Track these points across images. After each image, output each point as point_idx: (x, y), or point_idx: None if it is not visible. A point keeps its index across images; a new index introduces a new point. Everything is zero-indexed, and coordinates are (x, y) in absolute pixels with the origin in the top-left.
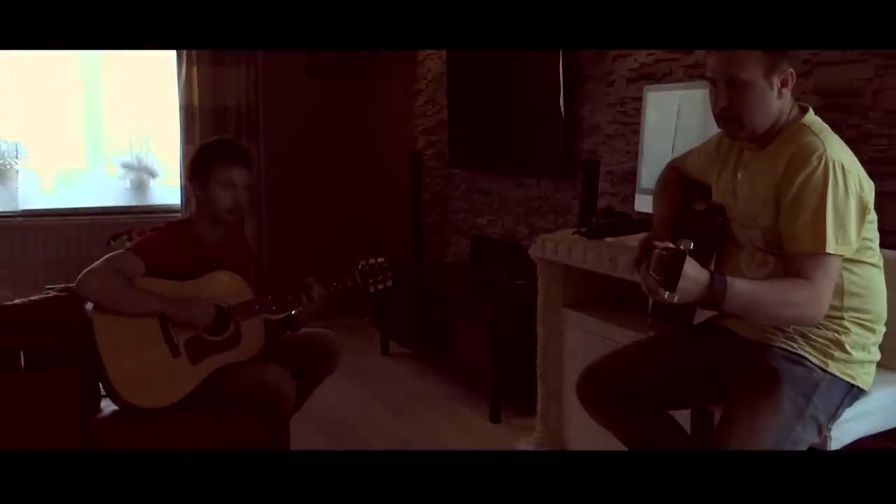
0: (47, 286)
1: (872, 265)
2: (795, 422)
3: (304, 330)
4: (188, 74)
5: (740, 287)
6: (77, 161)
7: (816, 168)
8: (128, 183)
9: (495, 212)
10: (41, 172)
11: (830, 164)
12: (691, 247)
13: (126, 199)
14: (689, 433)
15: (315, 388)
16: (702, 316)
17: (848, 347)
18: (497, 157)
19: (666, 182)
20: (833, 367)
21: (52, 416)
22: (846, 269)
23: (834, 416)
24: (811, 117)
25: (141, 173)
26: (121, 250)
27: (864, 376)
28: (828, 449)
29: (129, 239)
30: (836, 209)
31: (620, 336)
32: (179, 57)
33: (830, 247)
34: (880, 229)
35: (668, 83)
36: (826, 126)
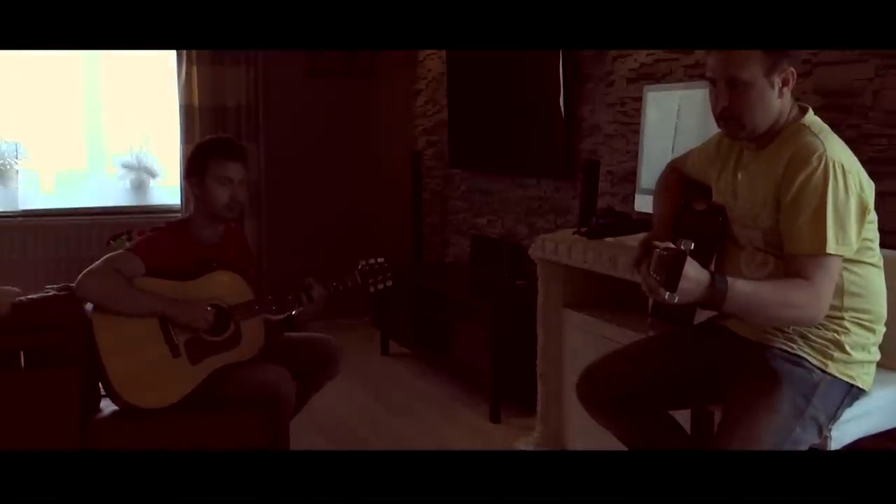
0: (47, 286)
1: (872, 265)
2: (795, 422)
3: (306, 334)
4: (188, 74)
5: (741, 288)
6: (77, 161)
7: (816, 168)
8: (128, 183)
9: (495, 212)
10: (41, 172)
11: (830, 165)
12: (692, 247)
13: (126, 199)
14: (689, 433)
15: (315, 393)
16: (702, 316)
17: (848, 348)
18: (497, 157)
19: (666, 182)
20: (833, 368)
21: (52, 416)
22: (846, 269)
23: (834, 417)
24: (811, 117)
25: (141, 173)
26: (121, 250)
27: (863, 377)
28: (828, 449)
29: (129, 239)
30: (836, 209)
31: (620, 336)
32: (179, 57)
33: (831, 247)
34: (880, 229)
35: (668, 83)
36: (826, 126)
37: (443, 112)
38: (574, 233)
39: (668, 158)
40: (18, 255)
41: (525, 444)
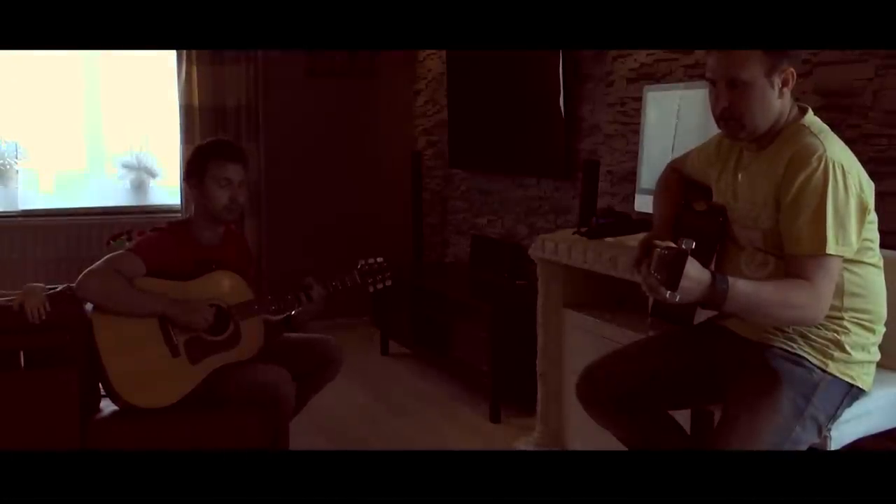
0: (47, 286)
1: (872, 265)
2: (795, 422)
3: (307, 335)
4: (188, 74)
5: (741, 288)
6: (77, 161)
7: (816, 169)
8: (128, 183)
9: (495, 212)
10: (41, 172)
11: (830, 165)
12: (693, 246)
13: (126, 200)
14: (689, 433)
15: (315, 394)
16: (702, 316)
17: (848, 348)
18: (497, 157)
19: (666, 183)
20: (833, 368)
21: (52, 416)
22: (846, 269)
23: (834, 417)
24: (811, 118)
25: (141, 173)
26: (121, 251)
27: (863, 376)
28: (828, 449)
29: (129, 239)
30: (836, 210)
31: (620, 336)
32: (179, 57)
33: (831, 248)
34: (880, 229)
35: (668, 83)
36: (826, 127)
37: (443, 112)
38: (574, 233)
39: (668, 158)
40: (18, 255)
41: (525, 444)
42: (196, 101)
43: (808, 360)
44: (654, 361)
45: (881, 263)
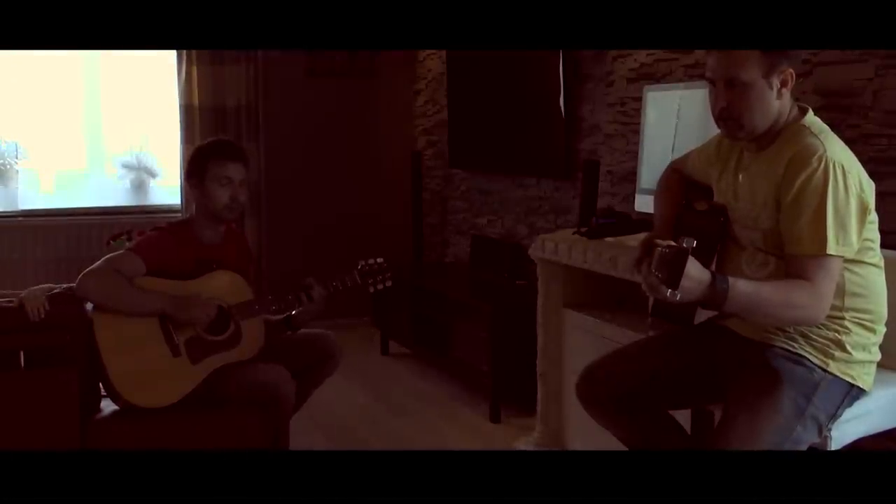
0: (52, 287)
1: (873, 265)
2: (796, 422)
3: (304, 330)
4: (188, 74)
5: (742, 288)
6: (77, 161)
7: (817, 169)
8: (128, 183)
9: (495, 212)
10: (41, 172)
11: (830, 165)
12: (694, 245)
13: (126, 199)
14: (689, 433)
15: (315, 389)
16: (702, 316)
17: (848, 347)
18: (497, 157)
19: (667, 183)
20: (833, 367)
21: (52, 416)
22: (847, 269)
23: (834, 416)
24: (811, 118)
25: (141, 173)
26: (121, 250)
27: (864, 376)
28: (828, 449)
29: (129, 239)
30: (836, 210)
31: (620, 336)
32: (179, 57)
33: (831, 248)
34: (881, 229)
35: (668, 83)
36: (826, 127)
37: (443, 112)
38: (574, 233)
39: (668, 158)
40: (18, 255)
41: (525, 444)
42: (196, 101)
43: (808, 359)
44: (654, 361)
45: (882, 263)
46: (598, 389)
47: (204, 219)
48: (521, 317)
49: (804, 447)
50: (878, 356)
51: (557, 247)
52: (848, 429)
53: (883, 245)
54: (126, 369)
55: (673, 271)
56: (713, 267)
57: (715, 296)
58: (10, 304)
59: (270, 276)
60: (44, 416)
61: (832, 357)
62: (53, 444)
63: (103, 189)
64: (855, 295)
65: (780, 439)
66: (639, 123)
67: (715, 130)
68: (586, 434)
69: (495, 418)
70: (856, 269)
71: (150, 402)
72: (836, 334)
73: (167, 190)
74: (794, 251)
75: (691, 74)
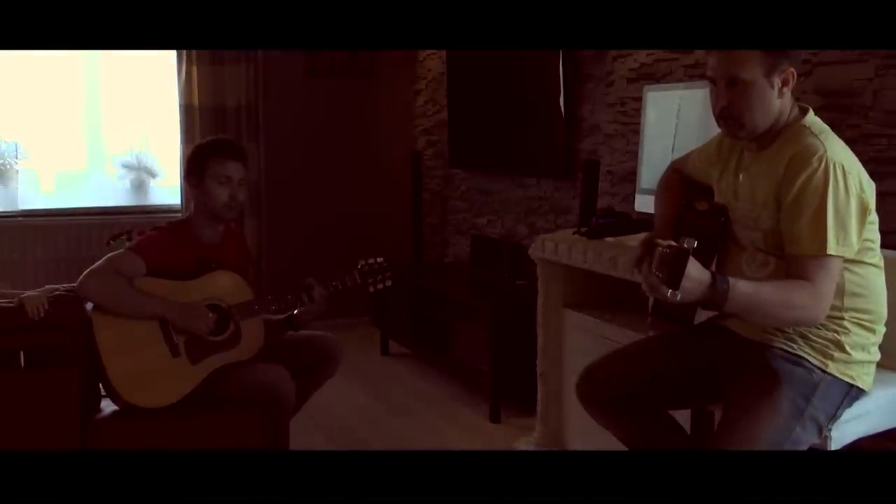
0: (48, 287)
1: (873, 265)
2: (795, 422)
3: (305, 332)
4: (188, 74)
5: (742, 288)
6: (77, 161)
7: (817, 169)
8: (128, 183)
9: (495, 212)
10: (41, 172)
11: (831, 166)
12: (695, 245)
13: (126, 199)
14: (689, 433)
15: (315, 391)
16: (702, 316)
17: (848, 348)
18: (497, 157)
19: (668, 183)
20: (833, 368)
21: (52, 416)
22: (847, 269)
23: (834, 417)
24: (811, 118)
25: (141, 173)
26: (122, 250)
27: (863, 377)
28: (828, 449)
29: (129, 239)
30: (836, 210)
31: (620, 336)
32: (179, 57)
33: (831, 248)
34: (881, 229)
35: (668, 83)
36: (826, 127)
37: (443, 112)
38: (574, 233)
39: (669, 158)
40: (18, 255)
41: (525, 444)
42: (196, 101)
43: (808, 360)
44: (654, 361)
45: (882, 263)
46: (598, 389)
47: (203, 218)
48: (521, 317)
49: (804, 447)
50: (877, 356)
51: (557, 247)
52: (848, 429)
53: (883, 245)
54: (126, 369)
55: (673, 271)
56: (713, 267)
57: (715, 296)
58: (10, 305)
59: (270, 276)
60: (44, 416)
61: (831, 358)
62: (53, 444)
63: (103, 189)
64: (855, 295)
65: (780, 440)
66: (639, 123)
67: (715, 130)
68: (586, 434)
69: (495, 418)
70: (856, 269)
71: (149, 402)
72: (836, 335)
73: (167, 190)
74: (795, 251)
75: (691, 74)
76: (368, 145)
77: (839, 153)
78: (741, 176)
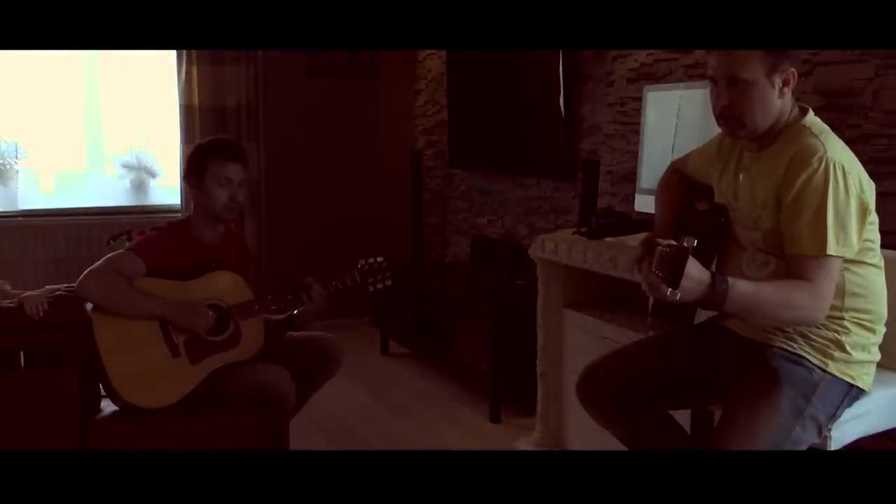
0: (48, 287)
1: (873, 266)
2: (795, 422)
3: (305, 332)
4: (188, 74)
5: (742, 288)
6: (77, 161)
7: (817, 170)
8: (128, 183)
9: (495, 212)
10: (41, 172)
11: (831, 166)
12: (695, 244)
13: (126, 199)
14: (689, 433)
15: (315, 392)
16: (702, 316)
17: (848, 348)
18: (497, 157)
19: (668, 183)
20: (833, 368)
21: (52, 416)
22: (847, 269)
23: (834, 417)
24: (811, 118)
25: (141, 173)
26: (122, 250)
27: (863, 376)
28: (828, 449)
29: (129, 239)
30: (836, 211)
31: (620, 336)
32: (179, 57)
33: (831, 248)
34: (881, 229)
35: (668, 83)
36: (826, 127)
37: (443, 112)
38: (574, 233)
39: (669, 158)
40: (18, 255)
41: (525, 444)
42: (196, 101)
43: (808, 359)
44: (654, 361)
45: (882, 264)
46: (598, 389)
47: (202, 218)
48: (521, 317)
49: (804, 447)
50: (877, 356)
51: (557, 247)
52: (848, 429)
53: (883, 245)
54: (125, 370)
55: (673, 271)
56: (713, 267)
57: (715, 296)
58: (11, 305)
59: (270, 276)
60: (44, 416)
61: (831, 357)
62: (53, 445)
63: (103, 189)
64: (855, 295)
65: (780, 439)
66: (639, 123)
67: (715, 130)
68: (586, 434)
69: (495, 418)
70: (856, 269)
71: (149, 402)
72: (836, 334)
73: (167, 190)
74: (795, 251)
75: (691, 74)
76: (368, 145)
77: (839, 153)
78: (741, 176)
